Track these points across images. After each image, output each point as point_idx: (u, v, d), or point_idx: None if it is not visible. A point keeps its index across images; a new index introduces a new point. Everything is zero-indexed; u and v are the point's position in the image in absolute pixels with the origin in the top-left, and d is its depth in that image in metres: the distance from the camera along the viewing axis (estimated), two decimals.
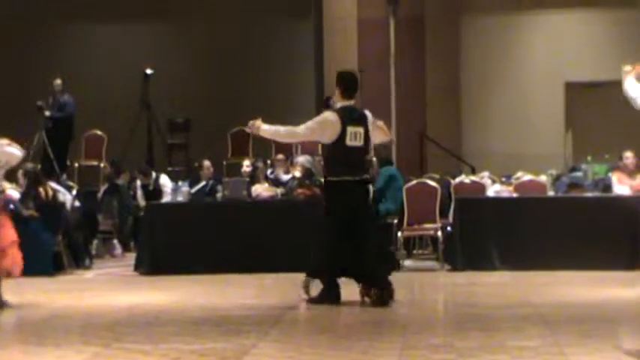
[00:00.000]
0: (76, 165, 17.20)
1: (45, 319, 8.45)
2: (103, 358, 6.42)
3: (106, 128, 17.44)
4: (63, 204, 12.73)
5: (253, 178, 13.43)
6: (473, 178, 14.02)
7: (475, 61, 17.80)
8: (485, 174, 14.06)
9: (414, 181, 13.17)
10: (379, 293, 8.66)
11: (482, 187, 13.22)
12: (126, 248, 14.77)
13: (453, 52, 17.73)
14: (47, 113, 16.94)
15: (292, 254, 11.56)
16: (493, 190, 12.98)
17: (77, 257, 12.79)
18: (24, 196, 12.23)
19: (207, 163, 14.75)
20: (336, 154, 8.78)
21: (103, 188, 15.50)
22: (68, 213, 12.82)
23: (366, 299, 8.79)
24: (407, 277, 11.67)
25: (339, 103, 8.92)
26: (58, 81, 17.30)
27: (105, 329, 7.63)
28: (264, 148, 16.14)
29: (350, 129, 8.71)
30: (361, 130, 8.77)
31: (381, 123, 9.15)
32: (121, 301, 9.53)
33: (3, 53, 19.33)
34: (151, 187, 15.22)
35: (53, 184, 13.06)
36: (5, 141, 9.82)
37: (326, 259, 8.85)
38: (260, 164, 14.17)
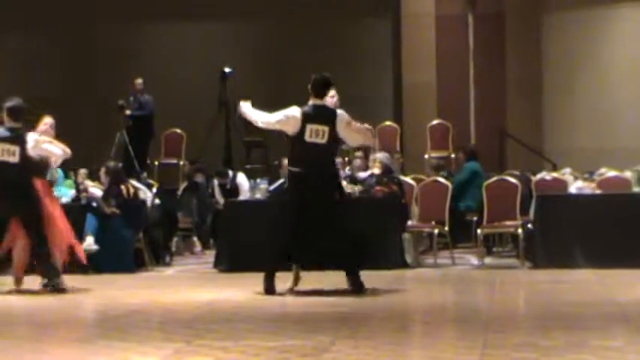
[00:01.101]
0: (156, 163, 17.39)
1: (126, 315, 8.54)
2: (183, 355, 6.45)
3: (185, 126, 17.60)
4: (144, 201, 12.87)
5: None
6: (554, 174, 13.81)
7: (556, 55, 17.50)
8: (567, 170, 13.82)
9: (494, 178, 13.01)
10: (352, 280, 9.22)
11: (564, 184, 12.99)
12: (205, 245, 14.87)
13: (533, 47, 17.47)
14: (128, 112, 17.16)
15: (368, 251, 11.54)
16: (575, 186, 12.75)
17: (157, 254, 12.92)
18: (106, 193, 12.38)
19: (285, 161, 14.75)
20: (295, 147, 9.31)
21: (182, 186, 15.64)
22: (149, 210, 12.96)
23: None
24: (487, 274, 11.55)
25: (310, 102, 9.37)
26: (139, 80, 17.50)
27: (185, 326, 7.67)
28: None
29: (310, 126, 9.16)
30: (325, 128, 9.16)
31: (356, 127, 9.45)
32: (201, 298, 9.59)
33: (85, 53, 19.64)
34: (228, 186, 15.29)
35: (134, 182, 13.20)
36: (46, 138, 10.10)
37: (279, 243, 9.38)
38: (338, 161, 14.13)
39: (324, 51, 19.18)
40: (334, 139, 9.27)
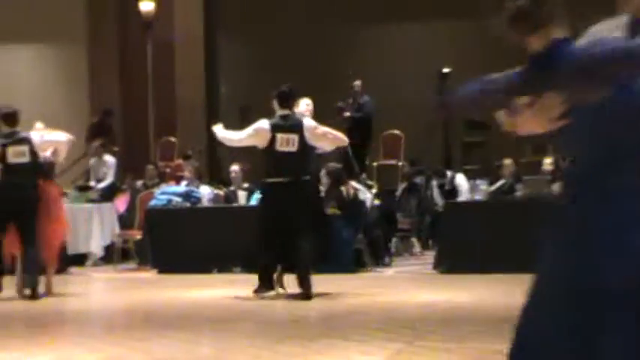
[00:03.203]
0: (375, 164, 17.48)
1: (347, 315, 8.59)
2: (405, 355, 6.40)
3: (404, 127, 17.61)
4: (363, 202, 12.95)
5: (555, 176, 13.06)
6: None
7: None
8: None
9: None
10: (303, 289, 9.43)
11: None
12: (424, 246, 14.82)
13: None
14: (347, 114, 17.33)
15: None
16: None
17: (377, 255, 12.96)
18: (326, 194, 12.53)
19: (508, 161, 14.52)
20: (268, 158, 9.61)
21: (401, 187, 15.65)
22: (368, 211, 13.03)
23: (280, 290, 9.74)
24: None
25: (277, 112, 9.63)
26: (358, 82, 17.66)
27: (406, 326, 7.63)
28: None
29: (280, 135, 9.50)
30: (294, 136, 9.49)
31: (322, 130, 9.64)
32: (421, 299, 9.53)
33: (304, 56, 20.03)
34: (447, 187, 15.19)
35: (354, 183, 13.31)
36: (46, 132, 10.61)
37: (259, 252, 9.63)
38: (562, 162, 13.75)
39: None
40: (305, 147, 9.51)
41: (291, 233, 9.44)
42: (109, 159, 16.01)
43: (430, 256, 13.05)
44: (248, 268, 11.25)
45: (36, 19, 19.34)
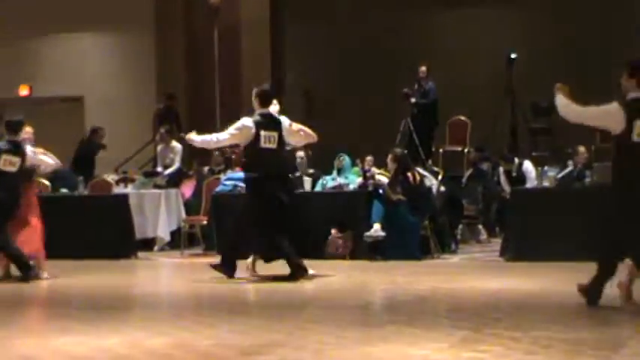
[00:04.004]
0: (441, 150, 17.38)
1: (413, 302, 8.56)
2: (471, 342, 6.36)
3: (470, 113, 17.46)
4: (429, 189, 12.87)
5: None
6: None
7: None
8: None
9: None
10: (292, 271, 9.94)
11: None
12: (491, 234, 14.69)
13: None
14: (413, 100, 17.24)
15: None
16: None
17: (443, 242, 12.89)
18: (392, 180, 12.49)
19: (581, 148, 14.30)
20: (252, 154, 10.06)
21: (467, 173, 15.54)
22: (434, 198, 12.95)
23: (253, 276, 10.29)
24: None
25: (258, 111, 10.09)
26: (423, 68, 17.54)
27: (472, 314, 7.58)
28: None
29: (264, 133, 9.98)
30: (275, 134, 10.01)
31: (296, 127, 10.19)
32: (488, 287, 9.45)
33: (370, 41, 19.94)
34: (514, 173, 15.02)
35: (419, 169, 13.24)
36: (40, 150, 11.11)
37: (235, 238, 10.21)
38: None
39: (604, 39, 18.39)
40: (282, 143, 10.11)
41: (275, 224, 9.86)
42: (176, 145, 16.12)
43: (497, 243, 12.95)
44: (314, 254, 11.39)
45: (103, 6, 19.53)
